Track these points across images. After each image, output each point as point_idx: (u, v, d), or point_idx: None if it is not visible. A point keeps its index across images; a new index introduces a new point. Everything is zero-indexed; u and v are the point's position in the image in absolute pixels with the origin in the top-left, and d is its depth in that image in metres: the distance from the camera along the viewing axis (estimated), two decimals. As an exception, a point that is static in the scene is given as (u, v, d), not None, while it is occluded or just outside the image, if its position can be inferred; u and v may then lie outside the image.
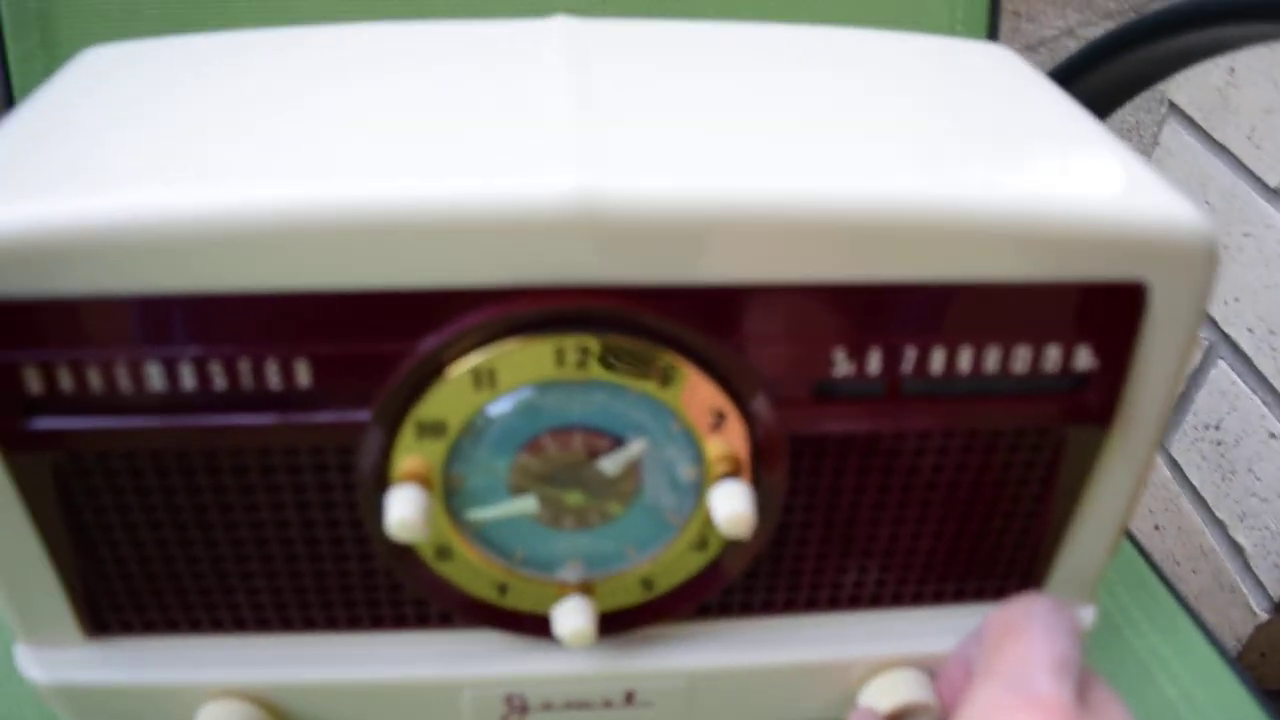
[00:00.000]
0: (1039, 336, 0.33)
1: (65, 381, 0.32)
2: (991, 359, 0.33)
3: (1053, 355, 0.34)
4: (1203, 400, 0.91)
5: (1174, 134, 0.92)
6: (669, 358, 0.32)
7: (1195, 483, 0.93)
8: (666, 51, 0.41)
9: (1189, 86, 0.90)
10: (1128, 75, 0.57)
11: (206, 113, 0.35)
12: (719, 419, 0.34)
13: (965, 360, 0.33)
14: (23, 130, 0.35)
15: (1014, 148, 0.35)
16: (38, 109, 0.36)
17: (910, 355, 0.33)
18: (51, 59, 0.60)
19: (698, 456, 0.35)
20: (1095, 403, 0.35)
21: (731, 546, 0.37)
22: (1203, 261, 0.33)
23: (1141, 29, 0.55)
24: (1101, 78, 0.56)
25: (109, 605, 0.37)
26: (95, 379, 0.32)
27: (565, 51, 0.39)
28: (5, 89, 0.60)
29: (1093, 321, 0.33)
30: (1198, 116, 0.89)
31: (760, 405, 0.34)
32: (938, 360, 0.33)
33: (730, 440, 0.34)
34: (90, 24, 0.59)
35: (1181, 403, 0.93)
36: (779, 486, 0.35)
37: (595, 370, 0.32)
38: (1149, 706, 0.44)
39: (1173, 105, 0.92)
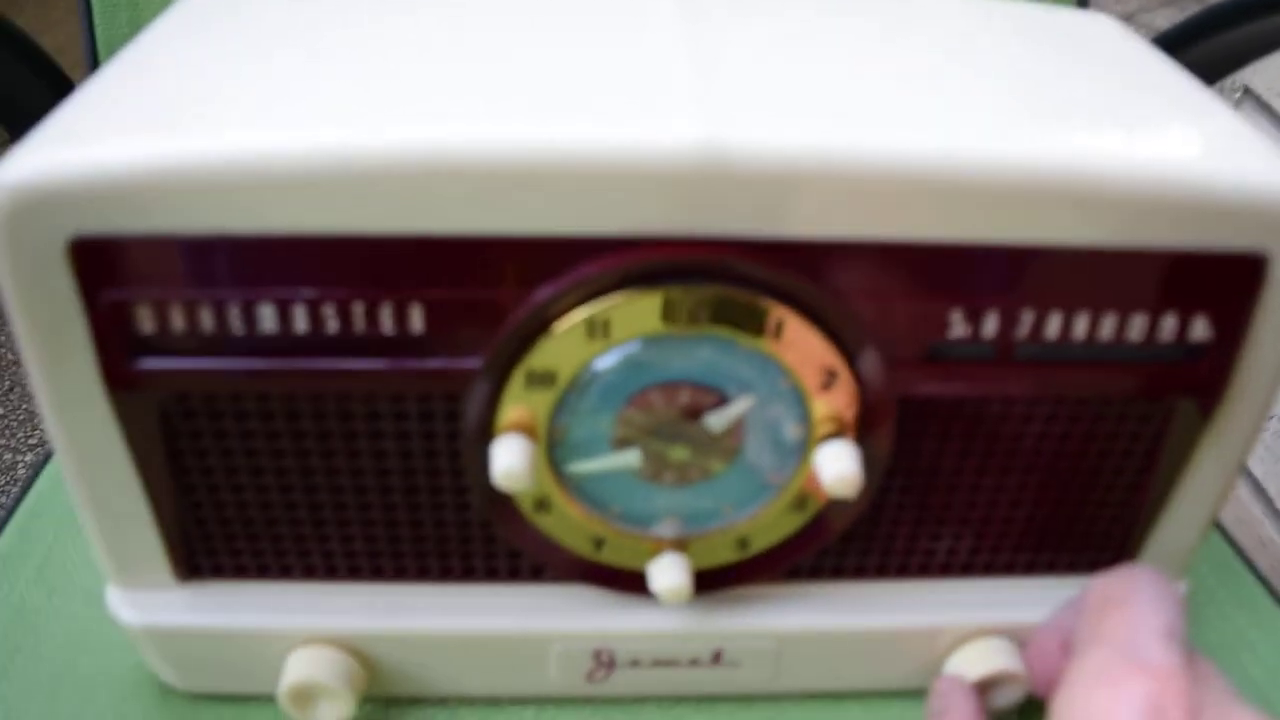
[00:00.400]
0: (1156, 304, 0.33)
1: (177, 321, 0.32)
2: (1107, 326, 0.33)
3: (1168, 324, 0.33)
4: (1267, 390, 0.90)
5: (1249, 118, 0.91)
6: (783, 313, 0.32)
7: (1257, 474, 0.92)
8: (775, 12, 0.40)
9: (1265, 71, 0.88)
10: (1221, 54, 0.56)
11: (319, 57, 0.35)
12: (830, 378, 0.33)
13: (1080, 326, 0.33)
14: (134, 70, 0.35)
15: (1135, 114, 0.35)
16: (145, 50, 0.36)
17: (1026, 319, 0.33)
18: (136, 9, 0.60)
19: (803, 416, 0.34)
20: (1207, 375, 0.34)
21: (829, 508, 0.37)
22: (1325, 235, 0.32)
23: (1238, 7, 0.54)
24: (1195, 55, 0.55)
25: (203, 549, 0.38)
26: (207, 319, 0.32)
27: (677, 5, 0.39)
28: (89, 39, 0.60)
29: (1211, 291, 0.33)
30: (1276, 102, 0.87)
31: (871, 365, 0.33)
32: (1053, 325, 0.33)
33: (838, 400, 0.34)
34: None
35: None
36: (883, 448, 0.35)
37: (706, 325, 0.32)
38: (1235, 687, 0.43)
39: (1247, 90, 0.91)
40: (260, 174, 0.30)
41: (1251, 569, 0.49)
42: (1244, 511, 0.94)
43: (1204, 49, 0.56)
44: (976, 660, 0.40)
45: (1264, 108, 0.89)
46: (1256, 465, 0.92)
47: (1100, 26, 0.42)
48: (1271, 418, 0.90)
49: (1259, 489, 0.92)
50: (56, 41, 0.61)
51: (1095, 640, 0.32)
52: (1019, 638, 0.40)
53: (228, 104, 0.32)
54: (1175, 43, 0.56)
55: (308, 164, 0.30)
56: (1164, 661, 0.30)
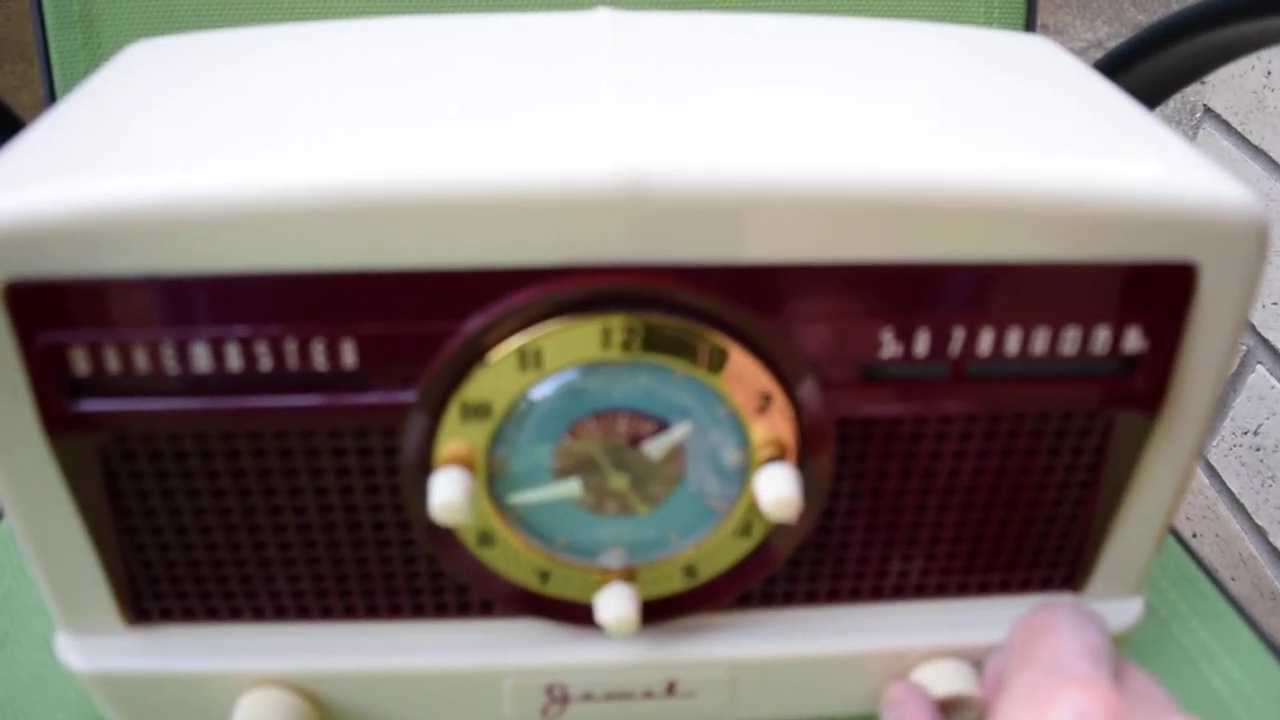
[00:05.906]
0: (1088, 318, 0.33)
1: (112, 362, 0.32)
2: (1040, 341, 0.33)
3: (1102, 337, 0.33)
4: (1241, 406, 0.90)
5: (1210, 138, 0.91)
6: (716, 338, 0.32)
7: (1234, 489, 0.92)
8: (708, 42, 0.41)
9: (1225, 90, 0.89)
10: (1169, 70, 0.57)
11: (251, 99, 0.35)
12: (765, 402, 0.33)
13: (1014, 342, 0.33)
14: (70, 116, 0.35)
15: (1061, 129, 0.35)
16: (85, 97, 0.36)
17: (959, 337, 0.33)
18: (94, 60, 0.60)
19: (743, 441, 0.34)
20: (1144, 386, 0.34)
21: (775, 533, 0.37)
22: (1253, 242, 0.33)
23: (1184, 22, 0.54)
24: (1144, 72, 0.56)
25: (151, 593, 0.37)
26: (142, 360, 0.32)
27: (609, 41, 0.39)
28: (48, 89, 0.61)
29: (1142, 302, 0.33)
30: (1234, 120, 0.88)
31: (807, 388, 0.33)
32: (986, 342, 0.33)
33: (776, 424, 0.34)
34: (133, 25, 0.59)
35: (1219, 408, 0.92)
36: (825, 471, 0.35)
37: (640, 352, 0.32)
38: (1197, 700, 0.43)
39: (1208, 109, 0.92)
40: (189, 215, 0.30)
41: (1214, 581, 0.49)
42: (1224, 529, 0.94)
43: (1152, 65, 0.56)
44: (933, 683, 0.39)
45: (1224, 126, 0.90)
46: (1233, 481, 0.92)
47: (1034, 47, 0.43)
48: (1247, 434, 0.90)
49: (1238, 505, 0.92)
50: (36, 97, 0.61)
51: (1023, 666, 0.33)
52: (976, 659, 0.40)
53: (158, 148, 0.32)
54: (1124, 61, 0.57)
55: (236, 204, 0.30)
56: (1089, 674, 0.31)
